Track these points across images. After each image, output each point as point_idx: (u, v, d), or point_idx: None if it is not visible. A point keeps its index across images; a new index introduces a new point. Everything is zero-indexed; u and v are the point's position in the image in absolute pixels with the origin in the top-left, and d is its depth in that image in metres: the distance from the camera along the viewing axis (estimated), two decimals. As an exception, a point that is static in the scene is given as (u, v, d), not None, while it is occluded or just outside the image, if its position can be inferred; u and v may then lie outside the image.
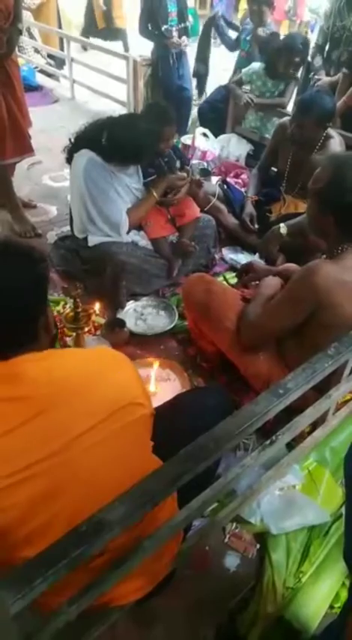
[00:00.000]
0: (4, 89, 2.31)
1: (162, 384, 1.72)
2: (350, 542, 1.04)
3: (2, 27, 2.19)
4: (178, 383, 1.74)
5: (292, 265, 1.77)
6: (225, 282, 2.12)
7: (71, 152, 2.01)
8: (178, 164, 2.24)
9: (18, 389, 0.79)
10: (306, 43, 3.04)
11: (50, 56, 5.27)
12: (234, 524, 1.37)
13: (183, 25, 3.51)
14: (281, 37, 3.27)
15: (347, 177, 1.31)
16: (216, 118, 3.55)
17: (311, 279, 1.33)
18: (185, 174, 2.19)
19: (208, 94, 3.89)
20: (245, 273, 1.87)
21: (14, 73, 2.37)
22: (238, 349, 1.58)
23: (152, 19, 3.49)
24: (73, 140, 2.01)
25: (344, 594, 1.34)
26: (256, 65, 3.16)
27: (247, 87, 3.21)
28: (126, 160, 1.96)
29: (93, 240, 2.02)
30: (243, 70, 3.23)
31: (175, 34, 3.49)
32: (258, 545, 1.35)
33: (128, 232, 2.09)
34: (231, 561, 1.32)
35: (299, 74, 3.13)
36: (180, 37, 3.52)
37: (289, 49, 2.93)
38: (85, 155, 1.94)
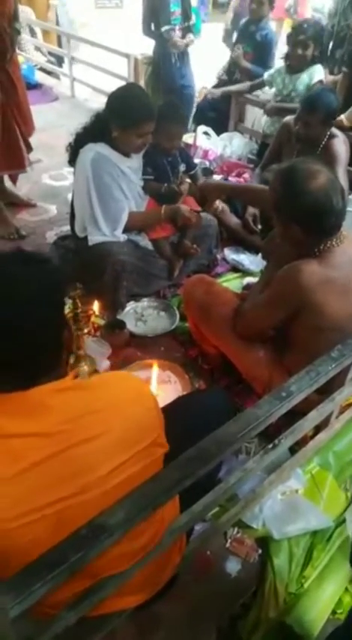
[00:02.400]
0: (5, 94, 2.28)
1: (162, 386, 1.70)
2: None
3: (6, 30, 2.17)
4: (179, 385, 1.72)
5: None
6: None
7: (75, 149, 1.99)
8: (184, 167, 2.21)
9: (37, 424, 0.75)
10: (315, 24, 2.97)
11: (51, 53, 5.26)
12: (236, 529, 1.35)
13: (186, 24, 3.48)
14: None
15: (296, 181, 1.29)
16: (216, 116, 3.53)
17: (295, 279, 1.31)
18: (187, 184, 2.16)
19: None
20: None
21: (15, 74, 2.35)
22: (239, 351, 1.56)
23: (154, 19, 3.47)
24: (75, 139, 1.99)
25: (347, 600, 1.33)
26: (278, 65, 3.12)
27: (272, 89, 3.16)
28: (116, 117, 1.88)
29: (93, 239, 2.00)
30: (265, 74, 3.19)
31: (178, 33, 3.46)
32: (259, 550, 1.33)
33: (123, 232, 2.07)
34: (233, 566, 1.30)
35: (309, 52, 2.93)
36: (183, 35, 3.49)
37: (294, 31, 2.90)
38: (91, 149, 1.92)
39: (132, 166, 2.03)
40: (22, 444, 0.74)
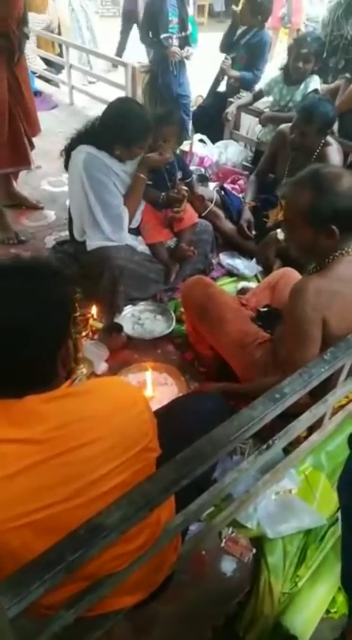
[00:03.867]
0: (11, 96, 2.32)
1: (159, 388, 1.72)
2: (348, 570, 1.04)
3: (14, 32, 2.21)
4: (175, 387, 1.74)
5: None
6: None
7: (68, 153, 2.02)
8: (180, 175, 2.24)
9: (28, 431, 0.76)
10: (318, 39, 2.96)
11: (48, 62, 5.30)
12: (231, 529, 1.37)
13: (183, 33, 3.53)
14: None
15: (327, 183, 1.28)
16: (209, 123, 3.54)
17: (305, 299, 1.28)
18: (184, 192, 2.17)
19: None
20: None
21: (23, 79, 2.38)
22: (235, 353, 1.59)
23: (153, 27, 3.51)
24: (69, 143, 2.02)
25: (340, 599, 1.35)
26: (276, 74, 3.12)
27: (269, 98, 3.17)
28: (120, 138, 1.91)
29: (91, 244, 2.03)
30: (264, 83, 3.20)
31: (176, 42, 3.51)
32: (254, 550, 1.35)
33: (129, 222, 2.06)
34: (228, 566, 1.32)
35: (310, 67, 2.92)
36: (181, 45, 3.53)
37: (297, 44, 2.90)
38: (82, 151, 1.94)
39: (126, 170, 2.06)
40: (12, 449, 0.75)
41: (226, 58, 3.51)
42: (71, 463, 0.77)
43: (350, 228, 1.31)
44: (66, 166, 2.05)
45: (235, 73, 3.49)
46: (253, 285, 2.29)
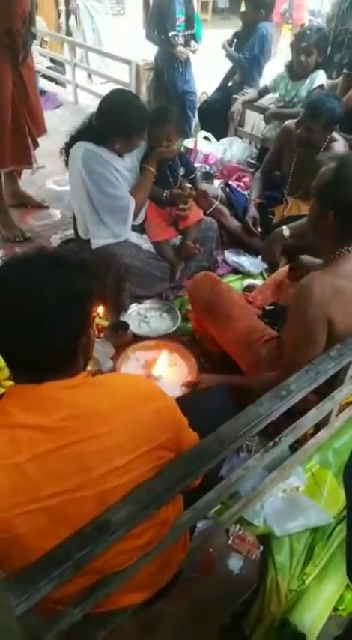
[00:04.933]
0: (16, 94, 2.32)
1: (168, 369, 1.68)
2: None
3: (19, 31, 2.21)
4: (185, 369, 1.70)
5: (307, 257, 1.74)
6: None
7: (68, 150, 2.02)
8: (183, 171, 2.24)
9: (43, 418, 0.77)
10: (318, 31, 2.92)
11: (53, 61, 5.32)
12: (238, 526, 1.37)
13: (190, 31, 3.52)
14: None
15: (346, 171, 1.30)
16: (215, 119, 3.53)
17: (310, 296, 1.27)
18: (189, 190, 2.16)
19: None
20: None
21: (29, 78, 2.39)
22: (241, 350, 1.58)
23: (160, 25, 3.51)
24: (67, 140, 2.02)
25: (348, 596, 1.34)
26: (281, 70, 3.11)
27: (275, 94, 3.16)
28: (120, 132, 1.91)
29: (95, 242, 2.03)
30: (270, 79, 3.19)
31: (181, 40, 3.50)
32: (261, 547, 1.35)
33: (134, 218, 2.05)
34: (235, 563, 1.32)
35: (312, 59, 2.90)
36: (186, 43, 3.53)
37: (297, 38, 2.90)
38: (80, 147, 1.94)
39: (125, 165, 2.05)
40: (26, 435, 0.76)
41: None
42: (81, 454, 0.77)
43: (348, 223, 1.31)
44: (67, 164, 2.05)
45: (229, 50, 3.48)
46: (259, 282, 2.29)
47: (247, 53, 3.46)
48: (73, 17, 5.66)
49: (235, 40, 3.61)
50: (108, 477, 0.79)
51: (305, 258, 1.76)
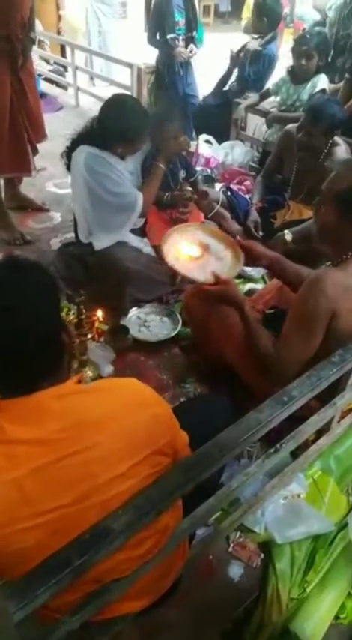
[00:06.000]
0: (15, 100, 2.32)
1: (212, 259, 1.57)
2: None
3: (18, 37, 2.21)
4: (225, 266, 1.55)
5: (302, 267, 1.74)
6: None
7: (69, 154, 2.02)
8: (184, 173, 2.24)
9: (38, 430, 0.76)
10: (318, 34, 2.93)
11: (56, 64, 5.34)
12: (238, 533, 1.36)
13: (190, 34, 3.52)
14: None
15: None
16: (209, 124, 3.53)
17: (321, 288, 1.27)
18: (189, 192, 2.16)
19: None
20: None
21: (29, 84, 2.39)
22: (240, 359, 1.57)
23: (160, 28, 3.52)
24: (69, 145, 2.02)
25: (350, 605, 1.33)
26: (283, 74, 3.12)
27: (276, 98, 3.17)
28: (124, 139, 1.92)
29: (98, 244, 2.02)
30: (272, 83, 3.20)
31: (182, 43, 3.51)
32: (262, 555, 1.34)
33: (141, 216, 2.05)
34: (235, 571, 1.31)
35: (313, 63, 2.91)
36: (187, 45, 3.53)
37: (298, 42, 2.90)
38: (83, 151, 1.94)
39: (127, 168, 2.05)
40: (23, 450, 0.75)
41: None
42: (79, 465, 0.76)
43: None
44: (68, 168, 2.05)
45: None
46: (260, 286, 2.28)
47: (252, 74, 3.44)
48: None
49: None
50: (113, 484, 0.79)
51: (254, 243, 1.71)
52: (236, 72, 3.58)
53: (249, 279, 2.40)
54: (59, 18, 6.22)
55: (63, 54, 5.59)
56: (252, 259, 1.63)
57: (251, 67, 3.45)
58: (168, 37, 3.46)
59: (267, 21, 3.31)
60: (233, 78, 3.63)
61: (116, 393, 0.87)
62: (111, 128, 1.90)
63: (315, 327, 1.29)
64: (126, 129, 1.89)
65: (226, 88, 3.70)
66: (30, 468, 0.74)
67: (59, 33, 6.08)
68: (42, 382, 0.78)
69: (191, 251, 1.60)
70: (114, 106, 1.94)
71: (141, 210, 2.01)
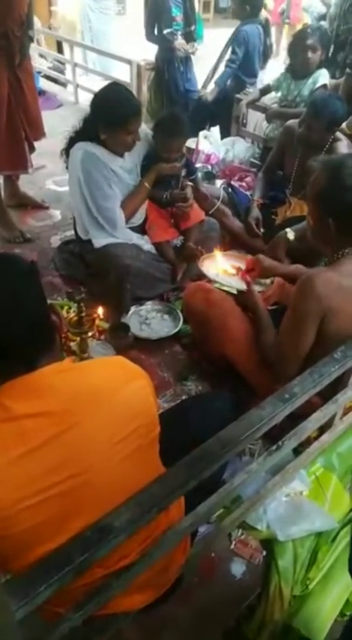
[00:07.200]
0: (13, 98, 2.31)
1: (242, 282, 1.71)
2: None
3: (16, 34, 2.19)
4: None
5: (301, 267, 1.75)
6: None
7: (67, 151, 2.01)
8: (184, 172, 2.23)
9: (45, 403, 0.79)
10: (319, 28, 2.94)
11: (56, 60, 5.32)
12: (240, 531, 1.36)
13: (188, 29, 3.50)
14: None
15: (345, 177, 1.29)
16: (206, 119, 3.52)
17: (312, 288, 1.28)
18: (186, 193, 2.16)
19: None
20: (250, 269, 1.78)
21: (27, 82, 2.37)
22: (241, 356, 1.57)
23: (157, 24, 3.50)
24: (67, 142, 2.02)
25: (353, 601, 1.32)
26: (283, 69, 3.11)
27: (278, 94, 3.14)
28: (103, 120, 1.90)
29: (98, 242, 2.02)
30: (272, 79, 3.18)
31: (180, 37, 3.49)
32: (264, 552, 1.33)
33: (130, 224, 2.05)
34: (237, 568, 1.31)
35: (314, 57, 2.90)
36: (186, 41, 3.51)
37: (301, 36, 2.89)
38: (80, 148, 1.94)
39: (124, 166, 2.04)
40: (31, 424, 0.77)
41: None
42: (82, 435, 0.79)
43: (349, 228, 1.31)
44: (67, 166, 2.05)
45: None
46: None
47: (231, 58, 3.43)
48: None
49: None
50: (111, 453, 0.82)
51: (267, 263, 1.78)
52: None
53: (256, 282, 2.38)
54: (50, 14, 6.19)
55: (59, 50, 5.57)
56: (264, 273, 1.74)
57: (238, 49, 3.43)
58: (165, 31, 3.44)
59: (250, 8, 3.31)
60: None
61: (107, 367, 0.93)
62: (95, 109, 1.92)
63: (305, 326, 1.31)
64: (105, 109, 1.89)
65: (219, 77, 3.64)
66: (40, 441, 0.76)
67: (50, 29, 6.05)
68: (41, 360, 0.81)
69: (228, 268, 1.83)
70: (104, 90, 1.97)
71: (121, 225, 2.03)
